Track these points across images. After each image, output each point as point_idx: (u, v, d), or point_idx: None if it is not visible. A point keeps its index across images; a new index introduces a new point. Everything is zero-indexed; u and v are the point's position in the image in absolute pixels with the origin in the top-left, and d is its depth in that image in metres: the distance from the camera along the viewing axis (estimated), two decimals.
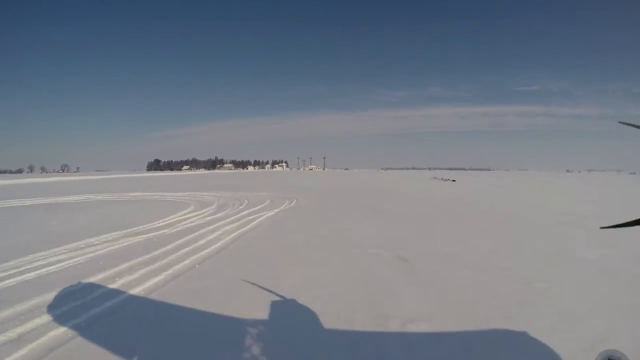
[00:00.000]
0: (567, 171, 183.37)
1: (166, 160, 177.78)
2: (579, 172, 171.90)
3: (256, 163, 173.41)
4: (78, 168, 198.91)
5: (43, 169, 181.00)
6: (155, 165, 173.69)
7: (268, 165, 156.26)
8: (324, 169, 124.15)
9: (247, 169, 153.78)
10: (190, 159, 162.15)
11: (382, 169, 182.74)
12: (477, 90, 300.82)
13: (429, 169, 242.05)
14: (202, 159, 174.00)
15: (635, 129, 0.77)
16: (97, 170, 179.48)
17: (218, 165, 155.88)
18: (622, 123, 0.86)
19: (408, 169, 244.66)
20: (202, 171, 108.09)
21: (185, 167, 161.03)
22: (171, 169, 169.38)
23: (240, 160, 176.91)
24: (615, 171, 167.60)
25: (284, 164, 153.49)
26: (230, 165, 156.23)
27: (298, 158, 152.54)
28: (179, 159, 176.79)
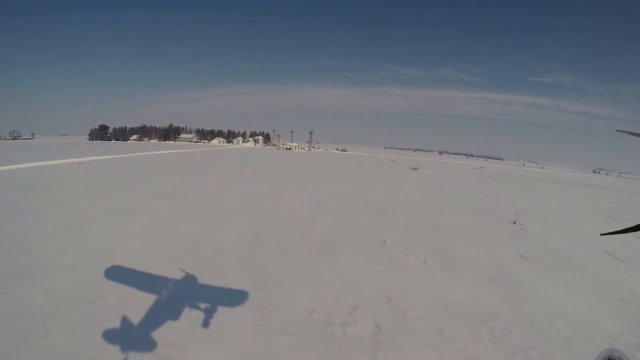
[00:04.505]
0: (594, 171, 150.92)
1: (118, 127, 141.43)
2: (607, 173, 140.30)
3: (230, 134, 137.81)
4: (33, 135, 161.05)
5: None
6: (101, 134, 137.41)
7: (240, 138, 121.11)
8: (309, 149, 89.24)
9: (208, 141, 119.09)
10: (139, 125, 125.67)
11: (385, 148, 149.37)
12: (488, 76, 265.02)
13: (440, 152, 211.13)
14: (160, 126, 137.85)
15: (633, 136, 0.88)
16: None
17: (175, 136, 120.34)
18: (620, 131, 0.92)
19: (414, 150, 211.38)
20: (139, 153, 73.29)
21: (133, 137, 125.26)
22: (117, 139, 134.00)
23: (210, 129, 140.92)
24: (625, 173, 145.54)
25: (260, 137, 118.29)
26: (192, 135, 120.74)
27: (274, 131, 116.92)
28: (134, 125, 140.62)
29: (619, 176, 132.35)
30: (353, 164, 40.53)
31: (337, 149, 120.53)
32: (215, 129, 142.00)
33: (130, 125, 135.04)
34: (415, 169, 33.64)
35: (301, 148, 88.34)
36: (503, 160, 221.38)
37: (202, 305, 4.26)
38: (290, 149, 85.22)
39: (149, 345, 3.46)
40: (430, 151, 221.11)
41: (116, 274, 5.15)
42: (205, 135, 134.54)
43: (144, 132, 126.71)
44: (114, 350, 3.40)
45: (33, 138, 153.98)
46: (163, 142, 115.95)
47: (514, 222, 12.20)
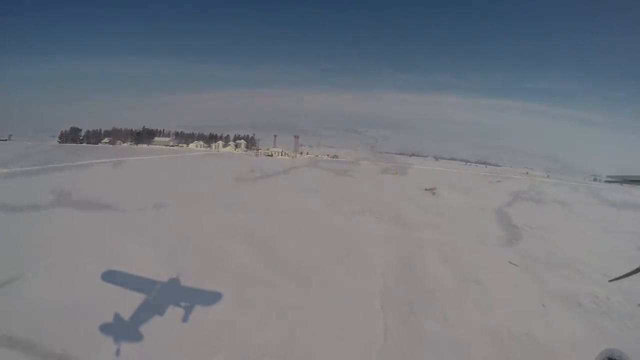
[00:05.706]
0: (594, 179, 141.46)
1: (93, 130, 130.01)
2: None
3: (212, 137, 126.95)
4: (10, 136, 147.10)
5: None
6: (73, 136, 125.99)
7: (220, 142, 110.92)
8: (294, 155, 79.27)
9: (187, 145, 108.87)
10: (111, 128, 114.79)
11: (379, 153, 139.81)
12: (485, 81, 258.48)
13: (435, 157, 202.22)
14: (136, 129, 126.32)
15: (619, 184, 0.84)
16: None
17: (149, 139, 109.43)
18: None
19: (409, 155, 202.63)
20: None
21: (105, 140, 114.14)
22: (89, 142, 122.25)
23: (191, 133, 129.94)
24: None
25: (242, 141, 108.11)
26: (168, 139, 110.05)
27: (254, 134, 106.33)
28: (108, 128, 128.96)
29: (622, 185, 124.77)
30: (342, 182, 30.70)
31: (327, 155, 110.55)
32: (197, 132, 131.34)
33: (105, 128, 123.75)
34: (432, 191, 23.87)
35: (285, 154, 78.38)
36: (500, 166, 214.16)
37: None
38: (271, 155, 75.20)
39: None
40: (425, 156, 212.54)
41: None
42: (185, 138, 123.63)
43: (115, 135, 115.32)
44: None
45: (9, 139, 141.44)
46: (136, 146, 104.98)
47: None
